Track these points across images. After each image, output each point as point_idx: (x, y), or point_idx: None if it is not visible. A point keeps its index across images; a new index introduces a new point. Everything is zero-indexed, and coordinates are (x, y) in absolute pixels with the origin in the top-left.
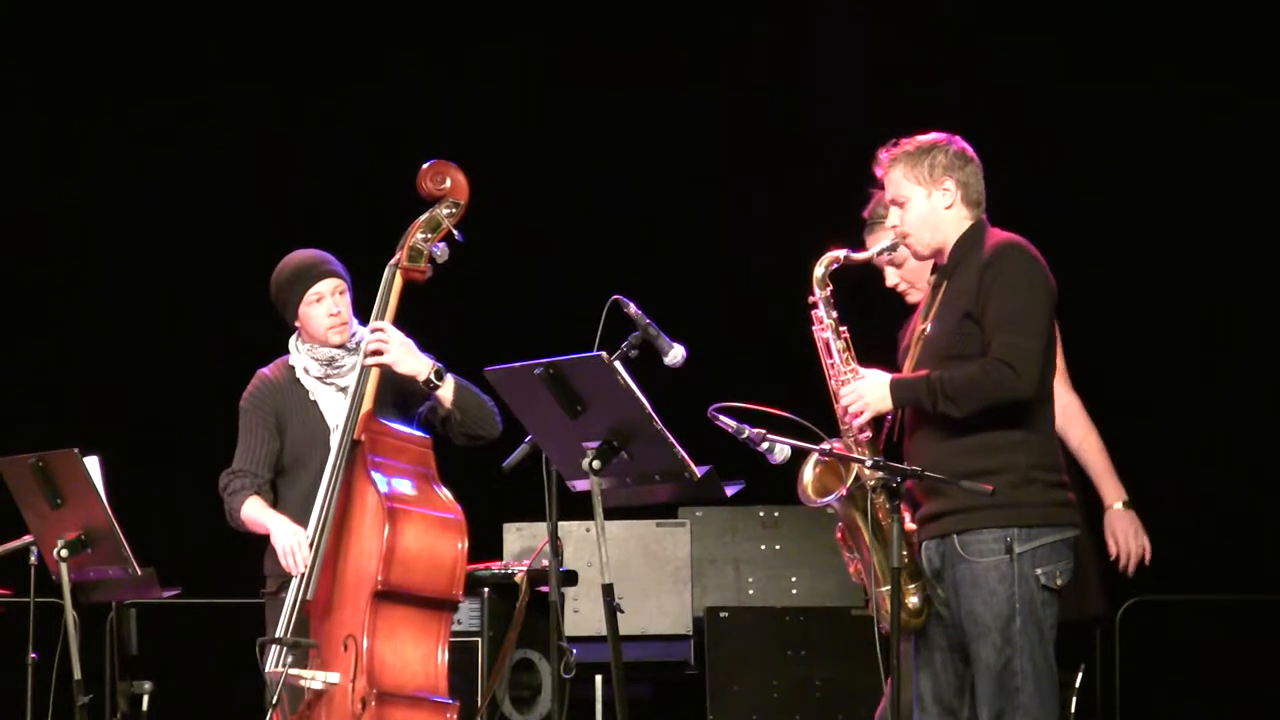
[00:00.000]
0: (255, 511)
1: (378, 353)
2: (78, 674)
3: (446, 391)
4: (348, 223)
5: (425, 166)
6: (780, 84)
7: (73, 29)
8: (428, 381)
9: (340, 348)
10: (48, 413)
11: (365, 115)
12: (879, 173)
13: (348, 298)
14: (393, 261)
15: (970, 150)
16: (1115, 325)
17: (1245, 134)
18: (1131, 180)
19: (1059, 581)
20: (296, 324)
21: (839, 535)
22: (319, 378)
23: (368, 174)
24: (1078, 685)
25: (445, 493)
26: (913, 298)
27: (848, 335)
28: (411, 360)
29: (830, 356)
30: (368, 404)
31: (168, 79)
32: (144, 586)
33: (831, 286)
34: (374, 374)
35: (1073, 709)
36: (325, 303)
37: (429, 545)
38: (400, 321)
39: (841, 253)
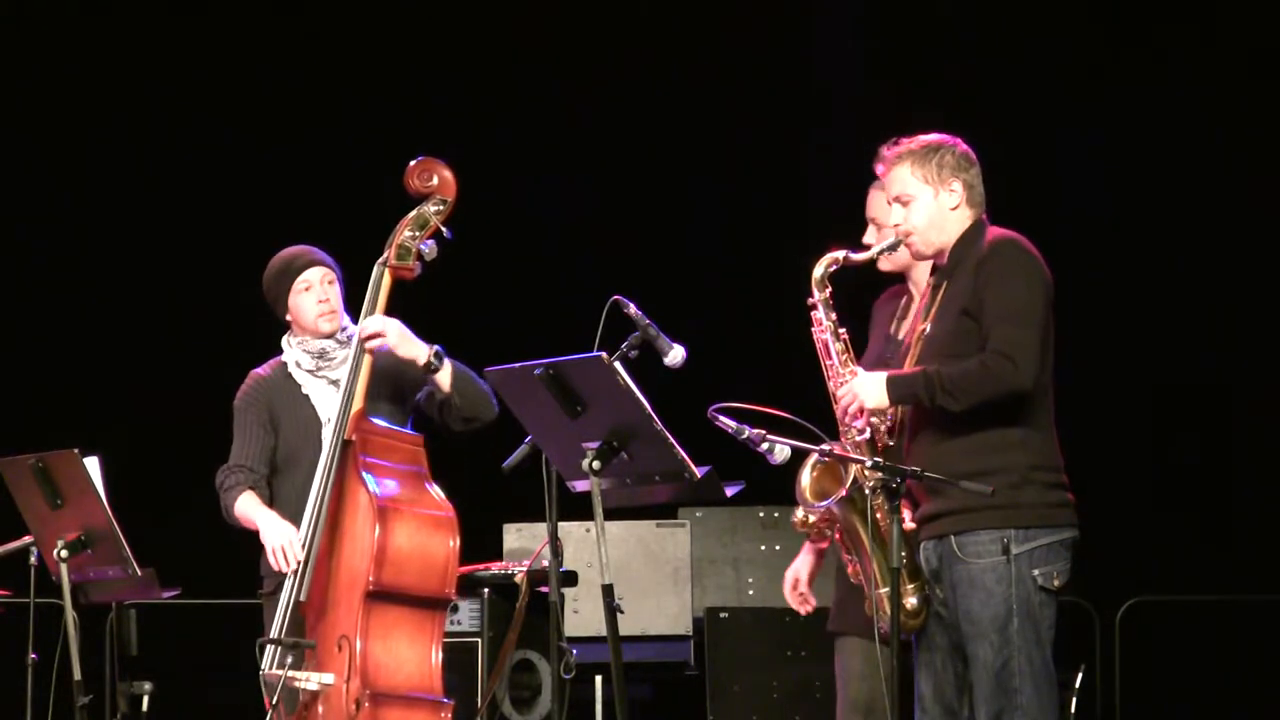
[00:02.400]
0: (248, 507)
1: (378, 335)
2: (78, 674)
3: (444, 375)
4: (337, 221)
5: (412, 164)
6: (781, 84)
7: (75, 30)
8: (428, 364)
9: (330, 338)
10: (48, 413)
11: (357, 114)
12: (880, 170)
13: (337, 288)
14: (381, 260)
15: (972, 153)
16: (1114, 325)
17: (1245, 137)
18: (1132, 181)
19: (1056, 582)
20: (288, 318)
21: (837, 537)
22: (310, 370)
23: (358, 172)
24: (1078, 685)
25: (437, 491)
26: (884, 266)
27: (847, 337)
28: (410, 344)
29: (829, 358)
30: (358, 403)
31: (166, 79)
32: (144, 586)
33: (831, 288)
34: (364, 372)
35: (1073, 709)
36: (314, 290)
37: (420, 544)
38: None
39: (841, 254)
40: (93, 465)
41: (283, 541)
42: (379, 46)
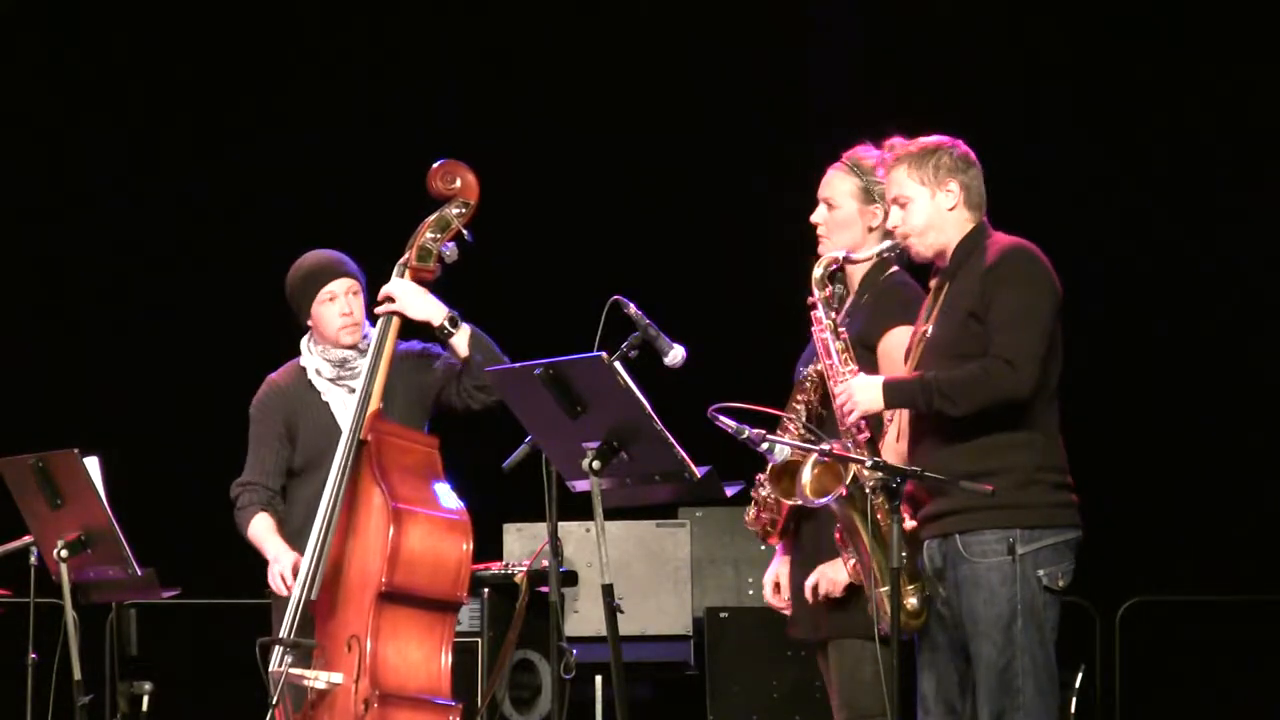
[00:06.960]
0: (259, 533)
1: (389, 299)
2: (78, 674)
3: (461, 339)
4: (356, 222)
5: (436, 166)
6: (779, 83)
7: (83, 31)
8: (441, 328)
9: (352, 349)
10: (48, 413)
11: (371, 114)
12: (878, 172)
13: (362, 299)
14: (401, 261)
15: (972, 154)
16: (1115, 328)
17: (1242, 135)
18: (1131, 182)
19: (1061, 583)
20: (309, 324)
21: (837, 536)
22: (331, 379)
23: (375, 173)
24: (1078, 685)
25: (451, 493)
26: (824, 247)
27: (847, 336)
28: (423, 304)
29: (829, 357)
30: (374, 404)
31: (169, 79)
32: (144, 586)
33: (831, 287)
34: (381, 374)
35: (1073, 709)
36: (338, 302)
37: (433, 547)
38: (407, 321)
39: (840, 253)
40: (93, 465)
41: (282, 570)
42: (386, 45)
